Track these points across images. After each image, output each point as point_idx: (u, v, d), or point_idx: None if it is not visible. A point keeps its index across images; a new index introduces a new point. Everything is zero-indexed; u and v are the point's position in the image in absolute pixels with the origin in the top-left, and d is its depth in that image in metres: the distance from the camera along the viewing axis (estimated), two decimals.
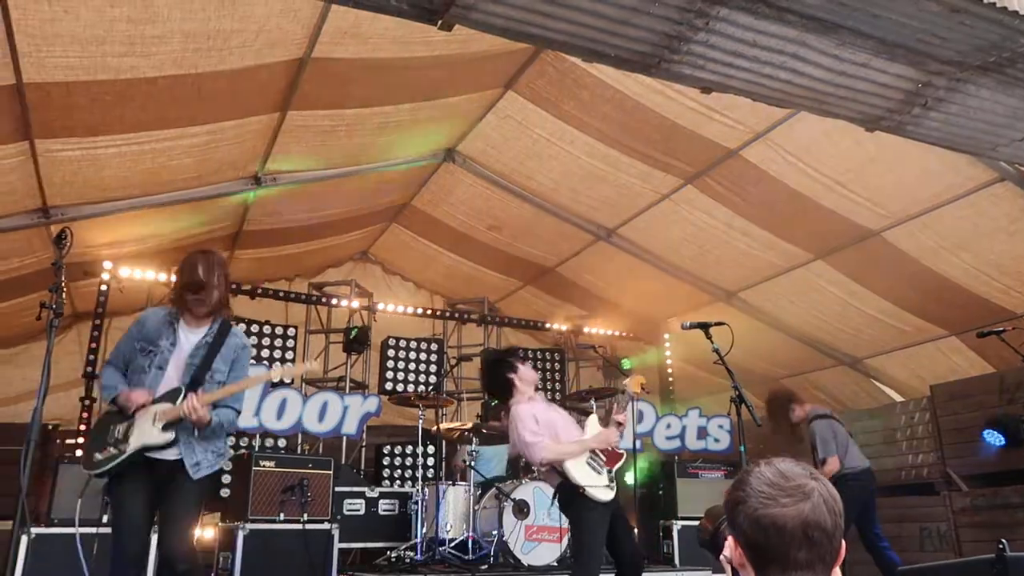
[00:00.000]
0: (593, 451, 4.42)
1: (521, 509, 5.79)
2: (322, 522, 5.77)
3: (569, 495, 4.37)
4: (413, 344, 8.14)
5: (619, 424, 4.55)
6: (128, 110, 4.54)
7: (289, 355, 7.40)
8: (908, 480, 6.75)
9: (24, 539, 4.66)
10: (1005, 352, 5.10)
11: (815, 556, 1.43)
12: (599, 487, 4.33)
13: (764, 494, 1.46)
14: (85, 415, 6.28)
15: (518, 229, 7.71)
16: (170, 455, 3.46)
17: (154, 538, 3.63)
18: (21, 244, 5.71)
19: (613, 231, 7.33)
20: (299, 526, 5.64)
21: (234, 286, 7.52)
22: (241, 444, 6.94)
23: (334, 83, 5.00)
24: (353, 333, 7.72)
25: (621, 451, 4.60)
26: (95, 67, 4.01)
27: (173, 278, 3.92)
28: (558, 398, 8.70)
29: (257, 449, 6.70)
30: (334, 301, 8.11)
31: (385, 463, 7.69)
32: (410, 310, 8.49)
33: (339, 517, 6.06)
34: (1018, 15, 2.56)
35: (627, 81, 5.22)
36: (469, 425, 7.04)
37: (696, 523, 6.86)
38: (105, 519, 4.97)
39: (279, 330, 7.43)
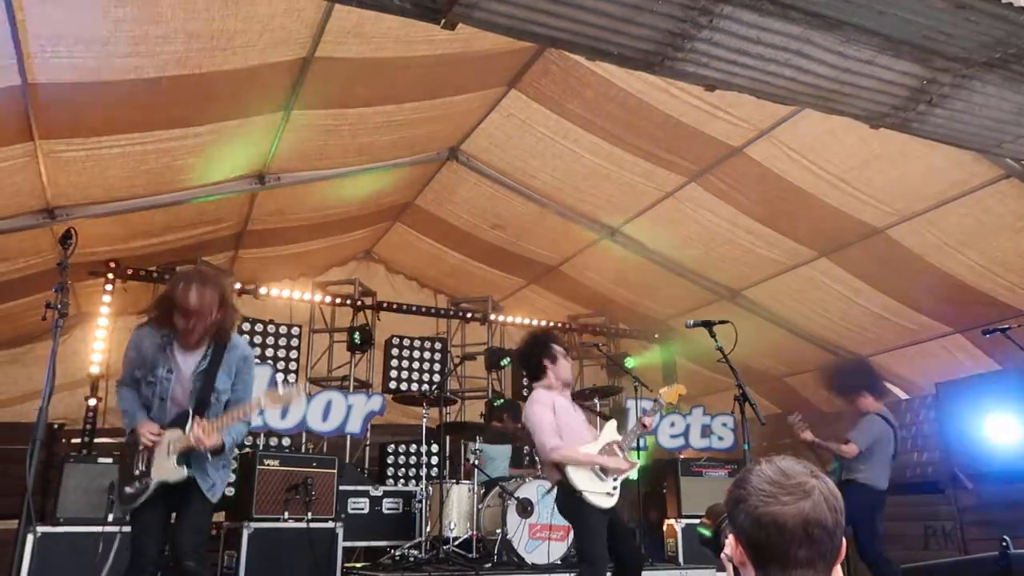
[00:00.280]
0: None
1: (525, 508, 5.79)
2: (326, 521, 5.77)
3: (566, 496, 4.36)
4: (417, 343, 8.15)
5: (643, 427, 4.60)
6: (132, 110, 4.55)
7: (293, 354, 7.41)
8: (913, 478, 6.74)
9: (30, 538, 4.68)
10: (1011, 349, 5.09)
11: (816, 554, 1.43)
12: (599, 494, 4.30)
13: (765, 492, 1.46)
14: (90, 415, 6.30)
15: (521, 228, 7.71)
16: (197, 464, 3.54)
17: None
18: (26, 244, 5.72)
19: (617, 229, 7.33)
20: (303, 525, 5.64)
21: (238, 285, 7.57)
22: (245, 443, 6.94)
23: (337, 82, 5.01)
24: (357, 338, 7.72)
25: (632, 461, 4.60)
26: (100, 67, 4.02)
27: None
28: None
29: (261, 448, 6.71)
30: (338, 300, 8.11)
31: (389, 462, 7.70)
32: (414, 309, 8.49)
33: (343, 516, 6.06)
34: (1023, 11, 2.55)
35: (630, 79, 5.21)
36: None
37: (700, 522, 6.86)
38: (111, 517, 5.00)
39: (283, 329, 7.44)
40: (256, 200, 6.59)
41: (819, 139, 5.36)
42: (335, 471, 6.00)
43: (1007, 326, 5.02)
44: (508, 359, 8.59)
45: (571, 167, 6.47)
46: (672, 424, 8.09)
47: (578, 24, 2.65)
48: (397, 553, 6.11)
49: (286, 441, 7.10)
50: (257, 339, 7.25)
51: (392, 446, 7.78)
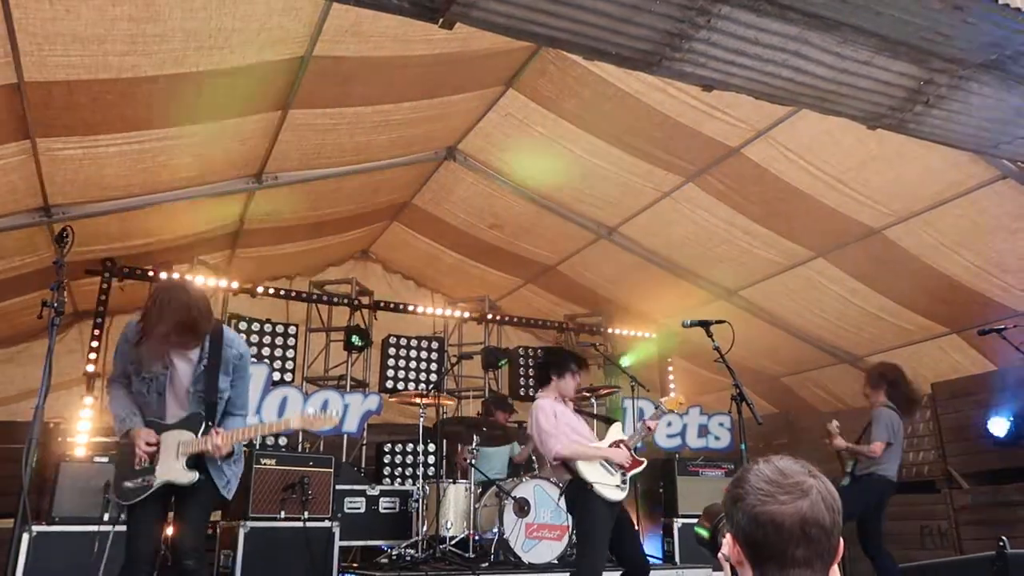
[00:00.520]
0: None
1: (522, 507, 5.79)
2: (323, 520, 5.77)
3: (576, 491, 4.43)
4: (414, 342, 8.14)
5: (648, 429, 4.81)
6: (129, 109, 4.54)
7: (290, 353, 7.40)
8: (909, 478, 6.75)
9: (26, 537, 4.67)
10: (1006, 350, 5.10)
11: (813, 553, 1.44)
12: (609, 486, 4.43)
13: (763, 491, 1.46)
14: (86, 414, 6.29)
15: (519, 227, 7.71)
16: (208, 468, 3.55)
17: None
18: (23, 243, 5.71)
19: (614, 229, 7.33)
20: (300, 524, 5.64)
21: (235, 284, 7.56)
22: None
23: (335, 81, 5.00)
24: (356, 340, 7.71)
25: (642, 460, 4.72)
26: (96, 66, 4.01)
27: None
28: None
29: (258, 447, 6.70)
30: (335, 300, 8.10)
31: (386, 461, 7.70)
32: (411, 308, 8.49)
33: (340, 515, 6.06)
34: (1020, 12, 2.56)
35: (628, 79, 5.21)
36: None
37: (696, 521, 6.87)
38: (106, 516, 4.99)
39: (280, 328, 7.43)
40: (253, 199, 6.58)
41: (816, 140, 5.37)
42: (332, 470, 6.00)
43: (1003, 326, 5.04)
44: (506, 360, 8.59)
45: (569, 167, 6.47)
46: (669, 424, 8.09)
47: (576, 24, 2.65)
48: (394, 552, 6.11)
49: (282, 440, 7.09)
50: (254, 338, 7.24)
51: (389, 445, 7.77)
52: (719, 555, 1.80)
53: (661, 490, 7.28)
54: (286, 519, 5.64)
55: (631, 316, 8.98)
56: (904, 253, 6.04)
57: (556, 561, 5.79)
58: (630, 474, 4.62)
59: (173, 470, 3.44)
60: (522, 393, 8.50)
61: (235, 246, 7.68)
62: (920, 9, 2.57)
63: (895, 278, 6.40)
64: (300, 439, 7.22)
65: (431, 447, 7.63)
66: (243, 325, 7.24)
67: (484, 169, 6.95)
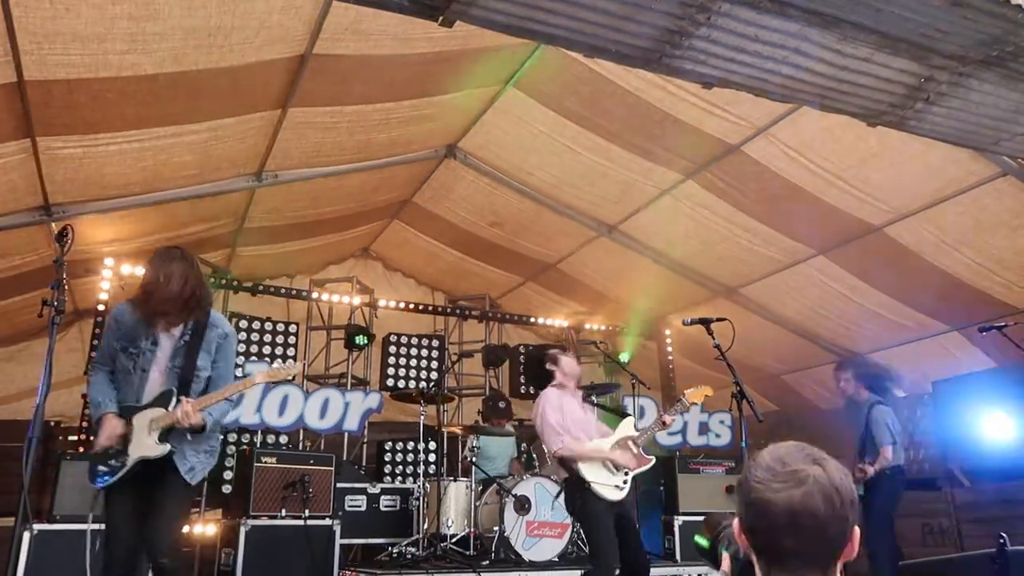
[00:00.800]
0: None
1: (522, 505, 5.80)
2: (324, 518, 5.78)
3: (574, 489, 4.42)
4: (414, 340, 8.14)
5: (663, 424, 4.76)
6: (129, 107, 4.54)
7: (291, 351, 7.40)
8: (910, 476, 6.74)
9: (26, 535, 4.68)
10: (1007, 347, 5.10)
11: (803, 545, 1.42)
12: (608, 486, 4.40)
13: (758, 478, 1.46)
14: (87, 412, 6.29)
15: (519, 225, 7.71)
16: (177, 442, 3.45)
17: None
18: (23, 242, 5.71)
19: (614, 227, 7.33)
20: (301, 522, 5.65)
21: (235, 283, 7.57)
22: (243, 440, 6.95)
23: (335, 80, 5.00)
24: (358, 340, 7.71)
25: (649, 457, 4.69)
26: (96, 64, 4.01)
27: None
28: None
29: (259, 445, 6.72)
30: (335, 298, 8.11)
31: (387, 459, 7.70)
32: (411, 306, 8.49)
33: (341, 513, 6.07)
34: (1020, 9, 2.55)
35: (628, 76, 5.20)
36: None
37: (698, 518, 6.88)
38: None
39: (280, 327, 7.43)
40: (253, 197, 6.58)
41: (816, 137, 5.36)
42: (332, 468, 6.00)
43: (1004, 324, 5.03)
44: (506, 359, 8.60)
45: (569, 164, 6.46)
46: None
47: (576, 21, 2.65)
48: (395, 550, 6.12)
49: (284, 438, 7.10)
50: (255, 336, 7.25)
51: (390, 443, 7.78)
52: (720, 572, 1.81)
53: (662, 488, 7.28)
54: (287, 517, 5.64)
55: (632, 314, 8.97)
56: (904, 250, 6.03)
57: (557, 559, 5.80)
58: (634, 473, 4.59)
59: (144, 445, 3.40)
60: (522, 392, 8.50)
61: (235, 245, 7.68)
62: (920, 6, 2.56)
63: (895, 275, 6.39)
64: (301, 437, 7.23)
65: (432, 445, 7.64)
66: (244, 323, 7.25)
67: (484, 167, 6.95)
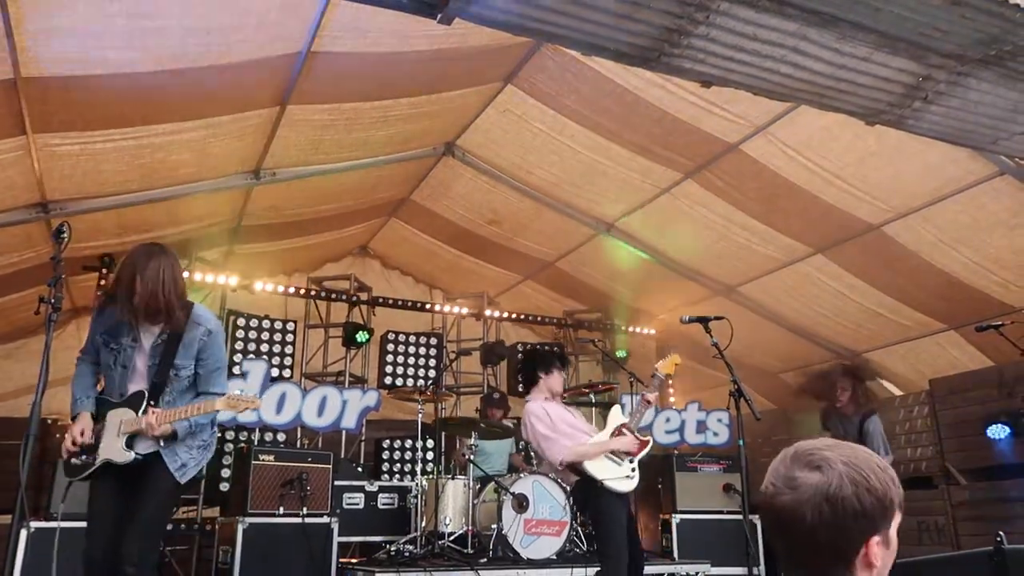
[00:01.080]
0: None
1: (520, 503, 5.79)
2: (321, 516, 5.78)
3: (586, 489, 4.44)
4: (412, 338, 8.14)
5: (648, 403, 4.72)
6: (126, 105, 4.53)
7: (288, 349, 7.40)
8: (906, 474, 6.76)
9: (24, 533, 4.67)
10: (1004, 346, 5.11)
11: (794, 550, 1.43)
12: (618, 478, 4.44)
13: (767, 479, 1.47)
14: None
15: (517, 223, 7.71)
16: (145, 449, 3.36)
17: None
18: (20, 239, 5.70)
19: (613, 225, 7.33)
20: (299, 520, 5.64)
21: (233, 280, 7.55)
22: (241, 438, 6.94)
23: (333, 77, 4.99)
24: (358, 337, 7.70)
25: (646, 438, 4.72)
26: (93, 61, 4.00)
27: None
28: None
29: (257, 443, 6.71)
30: (333, 296, 8.10)
31: (384, 457, 7.70)
32: (409, 304, 8.48)
33: (338, 511, 6.07)
34: (1019, 8, 2.55)
35: (627, 75, 5.20)
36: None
37: (695, 516, 6.89)
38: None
39: (278, 325, 7.43)
40: (251, 195, 6.57)
41: (815, 136, 5.36)
42: (330, 466, 6.00)
43: (1000, 323, 5.04)
44: (504, 357, 8.59)
45: (567, 163, 6.47)
46: (667, 420, 8.10)
47: (575, 20, 2.65)
48: (392, 548, 6.12)
49: (281, 436, 7.10)
50: (252, 334, 7.25)
51: (387, 441, 7.78)
52: None
53: (659, 486, 7.30)
54: (285, 515, 5.64)
55: (630, 312, 8.98)
56: (902, 249, 6.04)
57: (555, 557, 5.80)
58: (638, 458, 4.62)
59: (112, 449, 3.33)
60: (520, 390, 8.49)
61: (233, 242, 7.68)
62: (919, 5, 2.56)
63: (893, 274, 6.40)
64: (299, 435, 7.23)
65: (430, 443, 7.64)
66: (241, 321, 7.25)
67: (483, 165, 6.95)
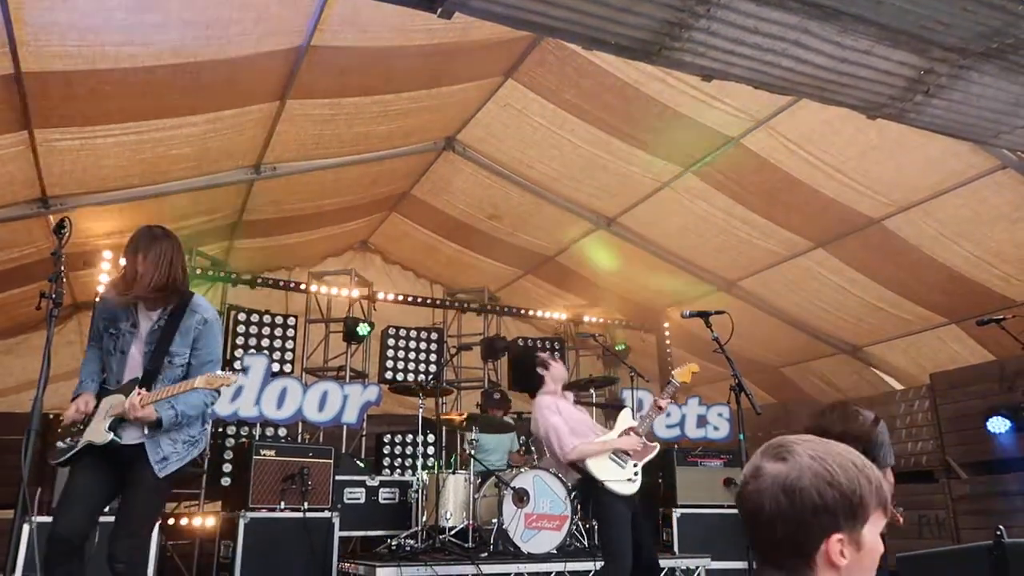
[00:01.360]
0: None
1: (521, 497, 5.80)
2: (323, 510, 5.79)
3: (588, 489, 4.45)
4: (413, 333, 8.14)
5: (659, 408, 4.74)
6: (127, 99, 4.53)
7: (289, 344, 7.40)
8: (907, 468, 6.77)
9: (26, 528, 4.67)
10: (1005, 340, 5.10)
11: (757, 542, 1.42)
12: (620, 481, 4.44)
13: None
14: None
15: (518, 218, 7.70)
16: (131, 440, 3.30)
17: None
18: (21, 234, 5.70)
19: (613, 219, 7.32)
20: (300, 515, 5.65)
21: (233, 275, 7.56)
22: (242, 433, 6.96)
23: (333, 72, 4.98)
24: (359, 330, 7.71)
25: (653, 444, 4.73)
26: (93, 56, 3.99)
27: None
28: None
29: (258, 438, 6.72)
30: (334, 291, 8.10)
31: (385, 452, 7.71)
32: (410, 299, 8.49)
33: (339, 506, 6.08)
34: (1021, 1, 2.54)
35: (627, 69, 5.20)
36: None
37: (696, 511, 6.90)
38: (107, 508, 4.98)
39: (279, 319, 7.43)
40: (252, 190, 6.57)
41: (816, 129, 5.35)
42: (331, 461, 6.01)
43: (1001, 317, 5.02)
44: (505, 352, 8.59)
45: (568, 157, 6.46)
46: (668, 414, 8.10)
47: (575, 13, 2.64)
48: (393, 543, 6.12)
49: (282, 431, 7.11)
50: (253, 329, 7.25)
51: (388, 436, 7.79)
52: None
53: (660, 480, 7.30)
54: (286, 510, 5.65)
55: (630, 307, 8.98)
56: (904, 243, 6.03)
57: (555, 551, 5.81)
58: (643, 462, 4.63)
59: (95, 430, 3.29)
60: (513, 382, 8.50)
61: (234, 237, 7.68)
62: None
63: (894, 268, 6.40)
64: (300, 430, 7.24)
65: (431, 438, 7.64)
66: (242, 316, 7.25)
67: (483, 160, 6.94)
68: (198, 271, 7.21)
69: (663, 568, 6.31)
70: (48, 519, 4.83)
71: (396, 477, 7.08)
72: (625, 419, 4.77)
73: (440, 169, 7.35)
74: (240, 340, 7.13)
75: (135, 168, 5.37)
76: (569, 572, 5.63)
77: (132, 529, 3.26)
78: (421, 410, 6.57)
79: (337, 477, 6.09)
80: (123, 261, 3.41)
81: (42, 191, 5.23)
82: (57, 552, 3.09)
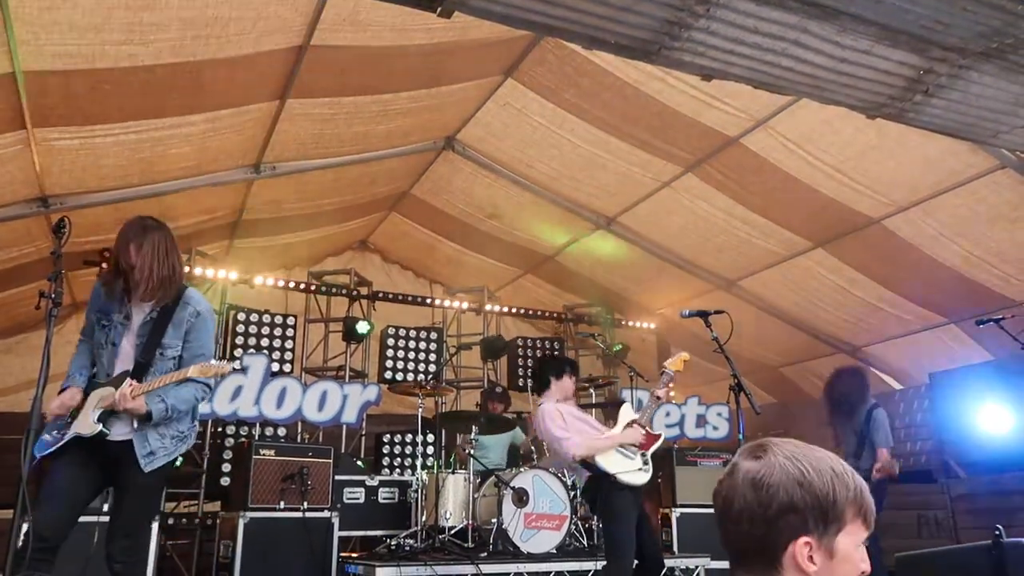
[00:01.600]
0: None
1: (520, 497, 5.80)
2: (322, 510, 5.79)
3: (598, 486, 4.47)
4: (412, 333, 8.14)
5: (657, 399, 4.80)
6: (126, 99, 4.53)
7: (288, 344, 7.40)
8: (906, 468, 6.76)
9: (25, 527, 4.67)
10: (1004, 340, 5.11)
11: (725, 539, 1.39)
12: (631, 471, 4.50)
13: None
14: None
15: (517, 217, 7.70)
16: (118, 435, 3.27)
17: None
18: (20, 233, 5.70)
19: (613, 219, 7.32)
20: (299, 514, 5.65)
21: (233, 275, 7.55)
22: (241, 433, 6.95)
23: (333, 71, 4.98)
24: (359, 328, 7.71)
25: (658, 433, 4.77)
26: (93, 55, 3.99)
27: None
28: None
29: (257, 438, 6.71)
30: (334, 290, 8.10)
31: (385, 451, 7.71)
32: (409, 299, 8.48)
33: (339, 505, 6.08)
34: (1021, 1, 2.54)
35: (627, 68, 5.20)
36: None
37: (696, 510, 6.90)
38: (106, 507, 4.98)
39: (278, 319, 7.43)
40: (251, 189, 6.57)
41: (815, 129, 5.36)
42: (331, 461, 6.01)
43: (1001, 316, 5.04)
44: (504, 351, 8.60)
45: (567, 157, 6.46)
46: (667, 414, 8.11)
47: (575, 12, 2.64)
48: (393, 542, 6.13)
49: (282, 431, 7.10)
50: (252, 329, 7.25)
51: (388, 436, 7.79)
52: None
53: (659, 480, 7.30)
54: (285, 509, 5.65)
55: (630, 306, 8.98)
56: (903, 243, 6.04)
57: (555, 551, 5.81)
58: (649, 451, 4.66)
59: (83, 423, 3.25)
60: (520, 384, 8.51)
61: (233, 236, 7.68)
62: None
63: (894, 268, 6.40)
64: (299, 430, 7.24)
65: (430, 437, 7.64)
66: (241, 316, 7.25)
67: (483, 159, 6.94)
68: (197, 270, 7.20)
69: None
70: None
71: (396, 477, 7.08)
72: (626, 413, 4.82)
73: (440, 168, 7.35)
74: (239, 340, 7.13)
75: (134, 167, 5.37)
76: (568, 572, 5.63)
77: (128, 530, 3.26)
78: (420, 410, 6.57)
79: (337, 477, 6.09)
80: (115, 251, 3.37)
81: (41, 191, 5.23)
82: (35, 549, 3.04)
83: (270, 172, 6.17)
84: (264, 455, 5.76)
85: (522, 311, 9.07)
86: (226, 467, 6.67)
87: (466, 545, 5.83)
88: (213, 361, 3.36)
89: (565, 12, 2.63)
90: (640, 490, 4.55)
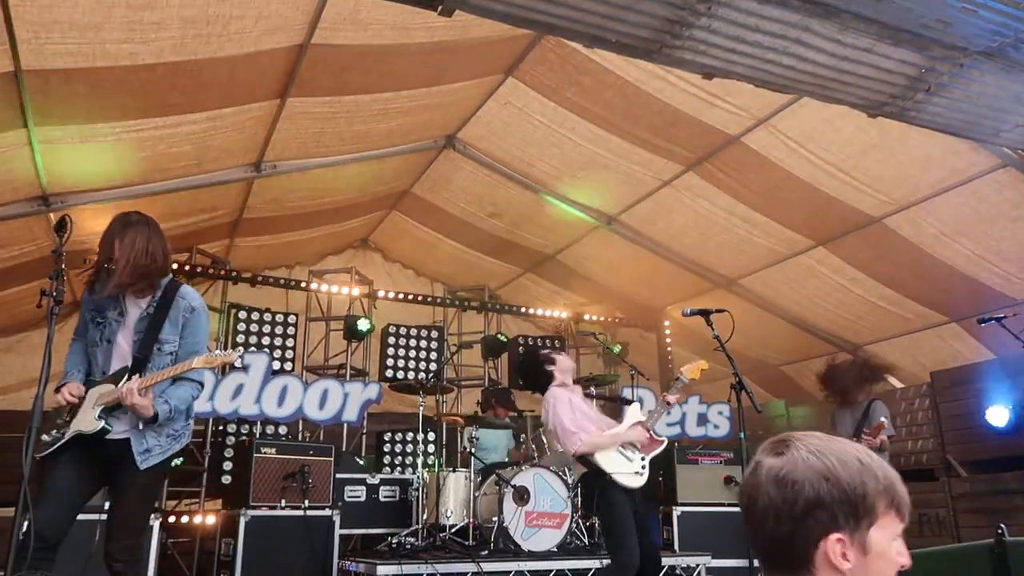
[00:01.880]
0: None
1: (521, 495, 5.81)
2: (323, 508, 5.79)
3: (594, 484, 4.46)
4: (413, 331, 8.14)
5: (667, 404, 4.75)
6: (127, 97, 4.53)
7: (289, 342, 7.41)
8: (908, 466, 6.77)
9: (26, 525, 4.67)
10: (1006, 338, 5.10)
11: (753, 537, 1.34)
12: (627, 473, 4.47)
13: None
14: None
15: (518, 216, 7.70)
16: (116, 435, 3.26)
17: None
18: (21, 232, 5.70)
19: (614, 218, 7.32)
20: (300, 512, 5.66)
21: (234, 273, 7.56)
22: (242, 431, 6.96)
23: (334, 70, 4.98)
24: (359, 326, 7.71)
25: (661, 438, 4.74)
26: (94, 54, 3.99)
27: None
28: None
29: (258, 436, 6.72)
30: (334, 288, 8.11)
31: (386, 450, 7.72)
32: (410, 297, 8.49)
33: (340, 504, 6.08)
34: (1021, 0, 2.54)
35: (628, 67, 5.19)
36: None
37: (696, 509, 6.90)
38: (107, 505, 4.98)
39: (279, 317, 7.43)
40: (252, 188, 6.57)
41: (817, 128, 5.35)
42: (332, 459, 6.01)
43: (1002, 315, 5.02)
44: (505, 350, 8.60)
45: (568, 155, 6.45)
46: (668, 412, 8.10)
47: (576, 11, 2.64)
48: (394, 540, 6.13)
49: (283, 429, 7.11)
50: (253, 327, 7.26)
51: (389, 434, 7.79)
52: None
53: (660, 478, 7.30)
54: (287, 507, 5.65)
55: (631, 305, 8.98)
56: (904, 242, 6.03)
57: (556, 549, 5.81)
58: (649, 456, 4.64)
59: (84, 420, 3.23)
60: (521, 383, 8.50)
61: (234, 235, 7.67)
62: None
63: (895, 267, 6.39)
64: (300, 428, 7.24)
65: (431, 436, 7.64)
66: (242, 314, 7.25)
67: (484, 158, 6.94)
68: (199, 269, 7.21)
69: (663, 567, 6.32)
70: None
71: (397, 475, 7.09)
72: (634, 413, 4.80)
73: (440, 167, 7.35)
74: (241, 338, 7.13)
75: (136, 166, 5.37)
76: (569, 570, 5.64)
77: (127, 530, 3.25)
78: (422, 408, 6.58)
79: (338, 475, 6.10)
80: (101, 248, 3.37)
81: (42, 189, 5.23)
82: (35, 548, 3.01)
83: (271, 171, 6.17)
84: (265, 453, 5.77)
85: (523, 309, 9.06)
86: (227, 465, 6.68)
87: (467, 543, 5.83)
88: (218, 351, 3.36)
89: (567, 11, 2.63)
90: (635, 492, 4.53)
